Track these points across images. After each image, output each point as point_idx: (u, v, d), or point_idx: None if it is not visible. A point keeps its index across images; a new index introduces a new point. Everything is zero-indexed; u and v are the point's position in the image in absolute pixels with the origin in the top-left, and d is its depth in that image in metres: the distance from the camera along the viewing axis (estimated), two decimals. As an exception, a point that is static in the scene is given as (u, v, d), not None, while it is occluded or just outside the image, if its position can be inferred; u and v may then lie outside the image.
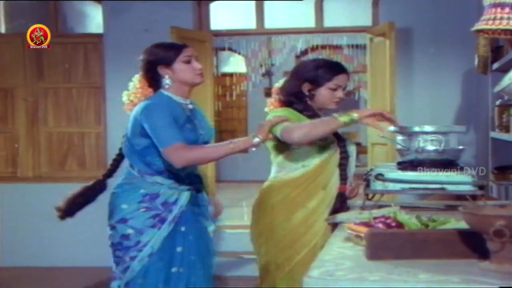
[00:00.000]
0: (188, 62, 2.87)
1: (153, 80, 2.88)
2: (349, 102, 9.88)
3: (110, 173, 3.04)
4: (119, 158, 3.05)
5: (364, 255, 2.03)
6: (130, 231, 2.81)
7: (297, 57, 9.60)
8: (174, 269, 2.85)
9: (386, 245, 1.97)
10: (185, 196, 2.87)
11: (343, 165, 2.96)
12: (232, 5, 6.64)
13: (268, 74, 10.47)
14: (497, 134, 4.40)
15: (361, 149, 9.88)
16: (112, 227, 2.86)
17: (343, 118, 2.74)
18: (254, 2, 6.33)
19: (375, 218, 2.30)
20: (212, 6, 6.34)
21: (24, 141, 6.26)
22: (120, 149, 3.01)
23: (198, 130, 2.88)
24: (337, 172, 2.95)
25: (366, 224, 2.24)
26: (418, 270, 1.83)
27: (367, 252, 2.00)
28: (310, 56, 8.57)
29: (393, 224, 2.20)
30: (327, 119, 2.83)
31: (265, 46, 9.01)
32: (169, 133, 2.72)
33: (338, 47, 8.19)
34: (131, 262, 2.81)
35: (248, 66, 10.28)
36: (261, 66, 10.21)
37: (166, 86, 2.86)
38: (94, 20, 6.48)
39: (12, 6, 6.50)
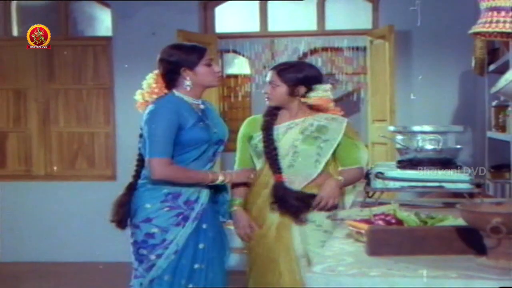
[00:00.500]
0: (209, 65, 2.85)
1: (172, 80, 2.86)
2: (349, 103, 9.85)
3: (138, 174, 2.93)
4: (142, 157, 2.94)
5: (364, 251, 2.02)
6: (155, 229, 2.78)
7: (299, 58, 9.57)
8: (196, 266, 2.84)
9: (386, 241, 1.97)
10: (205, 194, 2.86)
11: (268, 154, 2.95)
12: (237, 8, 6.63)
13: (271, 75, 10.43)
14: (493, 134, 4.40)
15: (362, 148, 9.87)
16: (136, 226, 2.83)
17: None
18: (258, 6, 6.32)
19: (375, 215, 2.30)
20: (217, 9, 6.35)
21: (36, 141, 6.27)
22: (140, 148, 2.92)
23: (211, 129, 2.86)
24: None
25: (366, 221, 2.24)
26: (417, 266, 1.82)
27: (367, 248, 2.00)
28: (312, 58, 8.56)
29: (393, 221, 2.20)
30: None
31: (269, 48, 9.00)
32: (162, 146, 2.74)
33: (339, 49, 8.15)
34: (157, 260, 2.78)
35: (252, 68, 10.26)
36: (264, 67, 10.17)
37: (188, 88, 2.83)
38: (103, 23, 6.48)
39: (24, 10, 6.51)
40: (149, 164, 2.76)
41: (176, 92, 2.86)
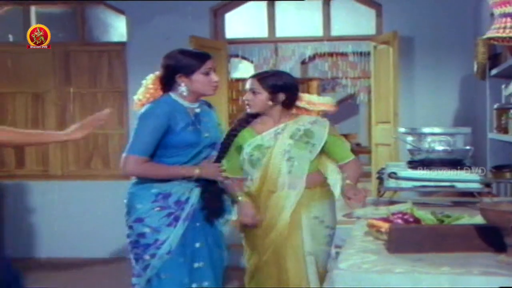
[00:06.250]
0: (207, 74, 2.81)
1: (167, 84, 2.82)
2: (350, 106, 9.82)
3: None
4: None
5: (385, 248, 2.00)
6: (146, 229, 2.74)
7: (304, 63, 9.55)
8: (196, 264, 2.81)
9: (408, 239, 1.95)
10: (195, 194, 2.81)
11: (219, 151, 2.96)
12: (246, 15, 6.62)
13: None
14: (495, 135, 4.38)
15: (361, 150, 9.82)
16: (130, 227, 2.80)
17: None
18: (265, 12, 6.30)
19: (393, 213, 2.28)
20: (227, 16, 6.34)
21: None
22: None
23: (201, 133, 2.82)
24: (282, 175, 2.91)
25: (385, 219, 2.23)
26: (440, 263, 1.81)
27: (390, 246, 1.98)
28: (318, 62, 8.55)
29: (411, 219, 2.19)
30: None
31: (276, 53, 9.00)
32: (142, 145, 2.71)
33: (343, 54, 8.16)
34: (151, 259, 2.74)
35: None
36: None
37: (185, 94, 2.79)
38: (118, 29, 6.46)
39: (43, 17, 6.49)
40: (122, 160, 2.73)
41: (172, 94, 2.82)
